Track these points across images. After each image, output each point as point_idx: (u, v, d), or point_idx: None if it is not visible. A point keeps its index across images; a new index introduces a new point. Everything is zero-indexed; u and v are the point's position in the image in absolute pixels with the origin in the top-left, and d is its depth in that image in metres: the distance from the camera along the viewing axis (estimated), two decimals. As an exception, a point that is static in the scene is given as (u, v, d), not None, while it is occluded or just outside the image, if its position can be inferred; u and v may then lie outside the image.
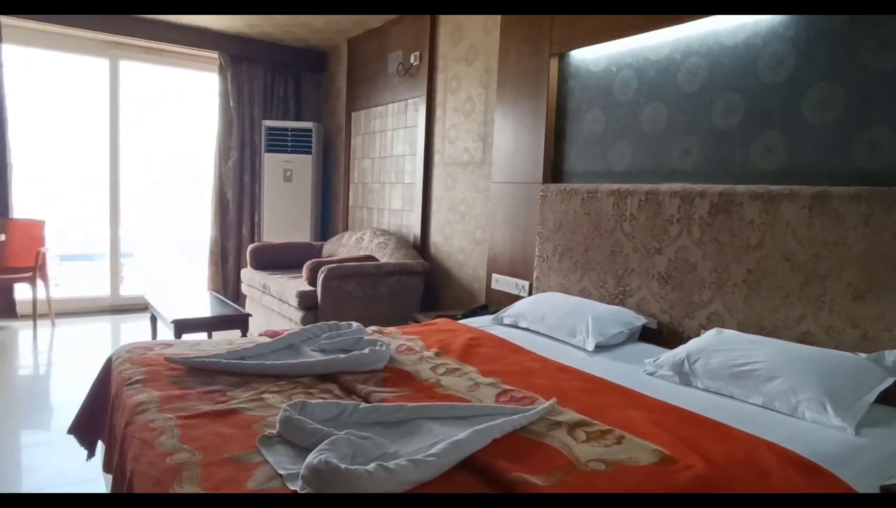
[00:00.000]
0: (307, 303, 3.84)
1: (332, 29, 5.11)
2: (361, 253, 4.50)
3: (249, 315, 3.72)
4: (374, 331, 2.55)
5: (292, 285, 4.03)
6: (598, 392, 1.89)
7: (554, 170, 3.29)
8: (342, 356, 2.05)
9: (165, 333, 4.17)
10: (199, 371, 1.94)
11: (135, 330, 4.85)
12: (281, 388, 1.83)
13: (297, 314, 3.86)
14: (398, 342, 2.37)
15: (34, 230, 4.70)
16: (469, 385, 1.87)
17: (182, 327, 3.45)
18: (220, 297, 4.24)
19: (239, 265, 5.71)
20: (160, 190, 5.78)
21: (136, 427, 1.54)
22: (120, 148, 5.33)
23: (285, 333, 2.31)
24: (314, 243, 5.26)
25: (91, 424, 2.10)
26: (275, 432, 1.46)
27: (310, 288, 3.91)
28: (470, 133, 3.97)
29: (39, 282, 4.56)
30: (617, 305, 2.75)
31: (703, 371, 2.00)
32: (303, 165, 5.60)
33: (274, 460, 1.34)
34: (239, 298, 5.53)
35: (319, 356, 2.09)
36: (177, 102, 5.76)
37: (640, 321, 2.58)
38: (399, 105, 4.74)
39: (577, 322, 2.53)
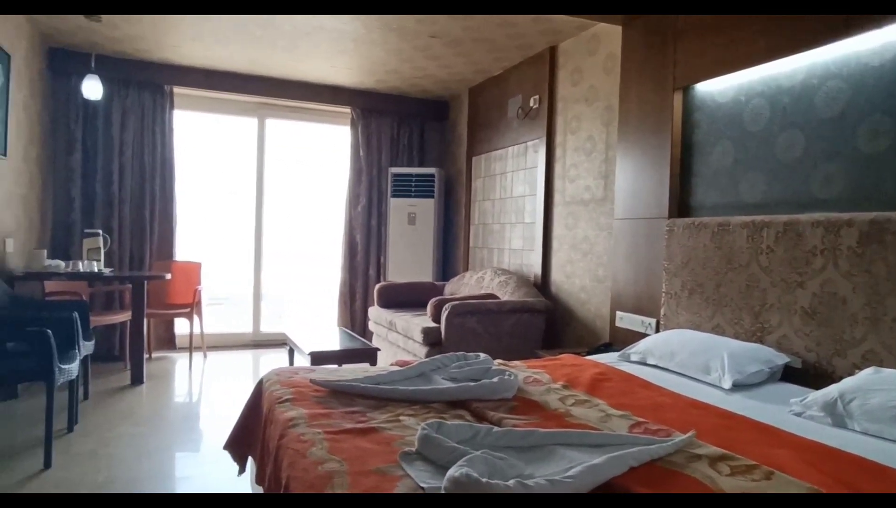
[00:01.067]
0: (431, 339, 3.97)
1: (455, 79, 5.39)
2: (483, 292, 4.59)
3: (377, 349, 3.90)
4: (500, 363, 2.60)
5: (417, 321, 4.19)
6: (737, 429, 1.81)
7: (680, 204, 3.22)
8: (472, 383, 2.11)
9: (302, 364, 4.47)
10: (340, 394, 2.08)
11: (273, 362, 5.24)
12: (416, 412, 1.92)
13: (422, 350, 3.99)
14: (524, 374, 2.40)
15: (192, 272, 5.26)
16: (600, 416, 1.86)
17: (318, 359, 3.69)
18: (350, 332, 4.49)
19: (366, 304, 6.01)
20: (296, 234, 6.26)
21: (290, 439, 1.68)
22: (264, 197, 5.88)
23: (416, 362, 2.42)
24: (436, 282, 5.44)
25: (243, 440, 2.31)
26: (414, 449, 1.54)
27: (434, 325, 4.04)
28: (591, 171, 3.99)
29: (195, 317, 5.08)
30: (754, 342, 2.61)
31: (860, 412, 1.85)
32: (426, 209, 5.85)
33: (415, 474, 1.41)
34: (366, 334, 5.80)
35: (450, 384, 2.17)
36: (313, 154, 6.27)
37: (782, 359, 2.43)
38: (519, 148, 4.86)
39: (710, 359, 2.43)
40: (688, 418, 1.90)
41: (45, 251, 4.07)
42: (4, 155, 3.77)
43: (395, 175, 5.90)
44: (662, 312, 3.17)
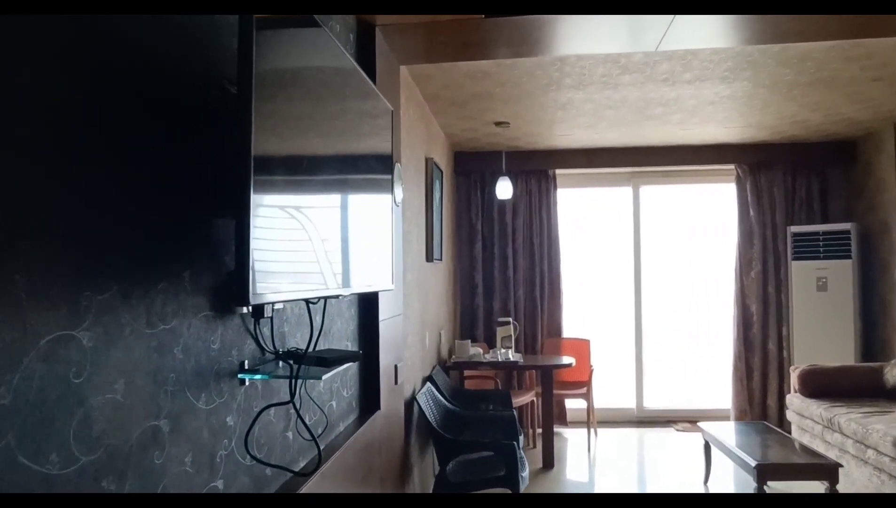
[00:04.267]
0: (913, 456, 3.17)
1: (869, 113, 4.46)
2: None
3: (840, 466, 3.25)
4: None
5: (879, 428, 3.41)
6: None
7: None
8: None
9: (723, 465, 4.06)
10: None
11: (661, 441, 4.90)
12: None
13: (899, 469, 3.21)
14: None
15: (582, 349, 5.29)
16: None
17: (765, 473, 3.23)
18: (784, 433, 3.89)
19: (765, 382, 5.30)
20: (679, 304, 5.90)
21: None
22: (642, 266, 5.68)
23: None
24: (873, 365, 4.47)
25: None
26: None
27: (914, 437, 3.22)
28: None
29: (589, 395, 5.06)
30: None
31: None
32: (840, 272, 4.94)
33: None
34: (783, 425, 5.11)
35: None
36: (693, 219, 5.89)
37: None
38: None
39: None
40: None
41: (468, 342, 4.48)
42: (441, 259, 4.28)
43: (796, 235, 5.13)
44: None
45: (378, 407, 2.26)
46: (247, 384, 1.31)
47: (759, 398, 5.32)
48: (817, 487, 3.75)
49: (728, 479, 4.15)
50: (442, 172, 4.36)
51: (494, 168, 5.34)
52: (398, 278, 2.65)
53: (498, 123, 4.42)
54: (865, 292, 5.02)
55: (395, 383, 2.59)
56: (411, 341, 3.25)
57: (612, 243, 5.90)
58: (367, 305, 2.29)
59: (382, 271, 1.85)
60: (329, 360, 1.34)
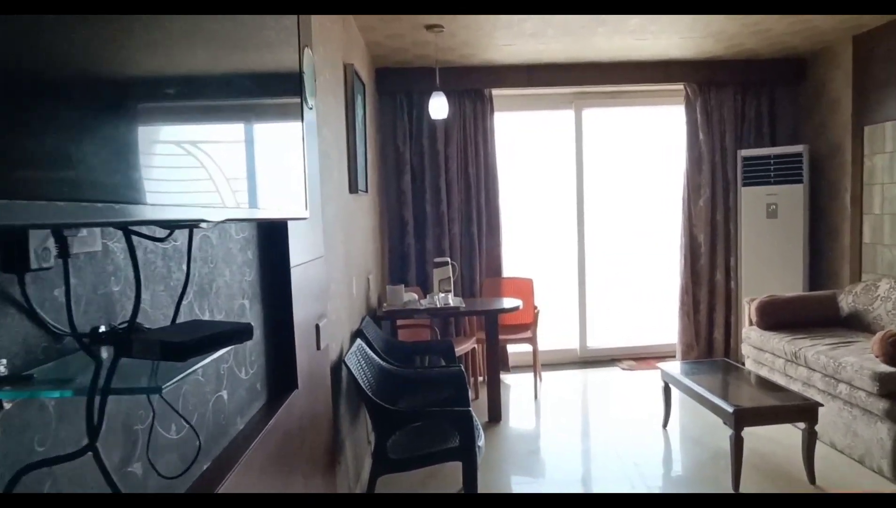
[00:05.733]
0: (892, 388, 2.91)
1: (824, 28, 4.09)
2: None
3: (819, 405, 2.96)
4: None
5: (852, 360, 3.15)
6: None
7: None
8: None
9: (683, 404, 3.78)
10: None
11: (607, 381, 4.60)
12: None
13: (878, 404, 2.95)
14: None
15: (525, 289, 4.83)
16: None
17: (746, 417, 2.90)
18: (769, 380, 3.60)
19: (712, 317, 5.06)
20: (623, 237, 5.53)
21: None
22: (585, 197, 5.23)
23: None
24: (826, 293, 4.26)
25: None
26: None
27: (892, 370, 2.96)
28: None
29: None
30: None
31: None
32: (791, 198, 4.67)
33: None
34: (731, 356, 4.91)
35: None
36: (638, 145, 5.45)
37: None
38: (972, 108, 3.46)
39: None
40: None
41: (402, 287, 3.89)
42: (366, 191, 3.61)
43: (747, 159, 4.80)
44: None
45: (295, 386, 1.64)
46: (5, 407, 0.65)
47: (705, 333, 5.09)
48: (792, 430, 3.51)
49: (690, 423, 3.86)
50: (364, 87, 3.63)
51: (423, 87, 4.62)
52: (315, 209, 1.98)
53: (430, 27, 3.70)
54: (814, 219, 4.80)
55: (318, 347, 1.96)
56: (336, 290, 2.61)
57: (553, 173, 5.40)
58: (272, 245, 1.62)
59: (290, 191, 1.20)
60: (187, 345, 0.70)
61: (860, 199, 4.41)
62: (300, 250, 1.77)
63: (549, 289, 5.56)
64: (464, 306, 3.93)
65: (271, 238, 1.63)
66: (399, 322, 4.18)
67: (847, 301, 4.13)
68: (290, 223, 1.64)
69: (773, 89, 5.00)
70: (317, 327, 1.97)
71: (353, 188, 3.17)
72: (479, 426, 2.67)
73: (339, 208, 2.81)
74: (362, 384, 2.46)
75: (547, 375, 5.01)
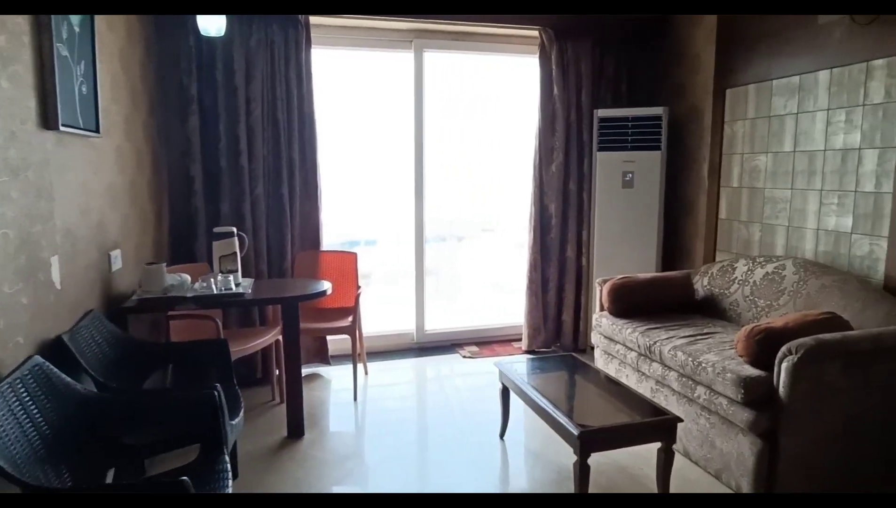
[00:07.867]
0: (757, 396, 2.43)
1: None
2: (818, 312, 2.94)
3: (679, 420, 2.40)
4: None
5: (713, 360, 2.65)
6: None
7: None
8: None
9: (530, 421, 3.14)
10: None
11: (445, 374, 3.91)
12: None
13: (741, 414, 2.46)
14: None
15: (347, 265, 3.97)
16: None
17: (592, 442, 2.27)
18: (625, 386, 3.02)
19: (561, 296, 4.53)
20: (469, 202, 4.82)
21: None
22: (425, 156, 4.41)
23: None
24: (681, 274, 3.82)
25: None
26: None
27: (758, 372, 2.48)
28: None
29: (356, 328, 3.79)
30: None
31: None
32: (649, 165, 4.19)
33: None
34: (579, 343, 4.41)
35: None
36: (487, 100, 4.72)
37: None
38: (842, 72, 3.07)
39: None
40: None
41: (163, 267, 2.84)
42: (97, 131, 2.50)
43: (604, 120, 4.24)
44: None
45: None
46: None
47: (554, 314, 4.54)
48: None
49: (531, 431, 3.23)
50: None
51: (215, 2, 3.51)
52: None
53: None
54: (670, 190, 4.37)
55: None
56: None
57: (388, 128, 4.53)
58: None
59: None
60: None
61: (718, 170, 4.01)
62: None
63: (384, 264, 4.76)
64: (250, 291, 2.98)
65: None
66: (172, 314, 3.13)
67: (702, 284, 3.71)
68: None
69: (632, 44, 4.46)
70: None
71: (52, 120, 2.08)
72: (229, 481, 1.78)
73: (11, 151, 1.73)
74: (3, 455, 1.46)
75: (376, 366, 4.21)
